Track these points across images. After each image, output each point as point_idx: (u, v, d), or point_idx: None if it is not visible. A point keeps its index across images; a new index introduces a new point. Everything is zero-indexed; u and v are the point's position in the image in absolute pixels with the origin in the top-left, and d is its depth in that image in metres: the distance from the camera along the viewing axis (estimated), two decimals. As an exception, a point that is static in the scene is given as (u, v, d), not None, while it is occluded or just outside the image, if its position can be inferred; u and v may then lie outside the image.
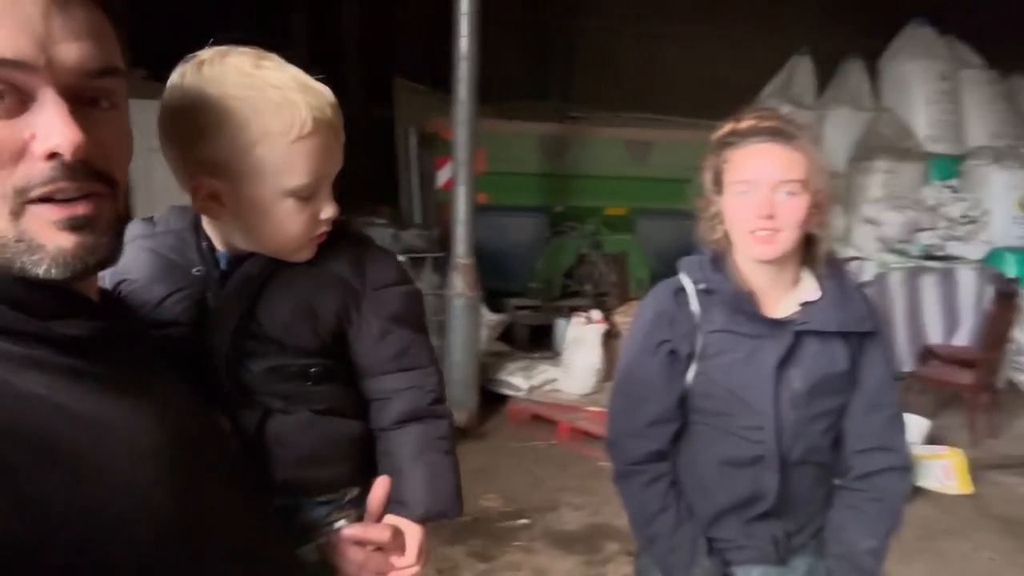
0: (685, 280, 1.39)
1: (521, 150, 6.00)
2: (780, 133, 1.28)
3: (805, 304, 1.34)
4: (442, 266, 5.06)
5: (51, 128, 0.62)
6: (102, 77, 0.66)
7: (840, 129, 7.76)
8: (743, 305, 1.33)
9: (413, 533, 0.94)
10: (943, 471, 4.08)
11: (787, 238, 1.27)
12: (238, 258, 0.93)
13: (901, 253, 6.63)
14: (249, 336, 0.91)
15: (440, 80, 5.97)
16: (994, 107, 7.78)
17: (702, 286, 1.36)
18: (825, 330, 1.32)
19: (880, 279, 6.03)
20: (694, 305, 1.36)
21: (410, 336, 0.98)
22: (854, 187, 7.22)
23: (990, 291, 5.15)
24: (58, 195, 0.64)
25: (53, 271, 0.65)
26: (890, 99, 7.72)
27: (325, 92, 0.89)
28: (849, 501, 1.40)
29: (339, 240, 0.95)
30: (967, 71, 7.79)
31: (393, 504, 0.95)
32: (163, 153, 0.89)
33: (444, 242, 5.10)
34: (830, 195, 1.31)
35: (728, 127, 1.34)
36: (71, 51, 0.63)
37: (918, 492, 3.89)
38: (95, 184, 0.66)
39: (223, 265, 0.93)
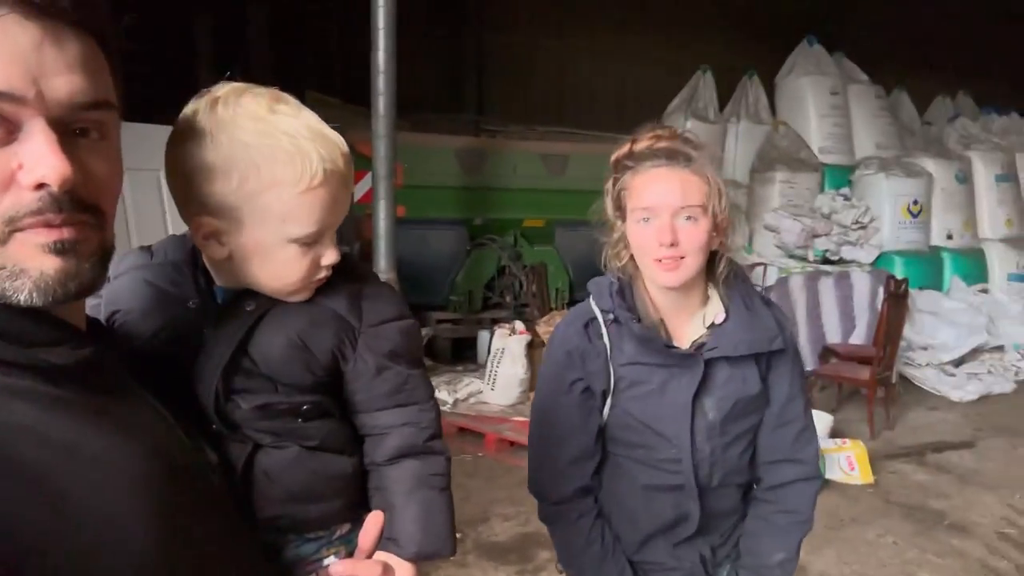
0: (595, 308, 1.35)
1: (438, 163, 6.04)
2: (677, 155, 1.24)
3: (712, 327, 1.31)
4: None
5: (39, 159, 0.62)
6: (93, 110, 0.66)
7: (741, 142, 8.16)
8: (652, 338, 1.30)
9: (404, 571, 0.91)
10: (847, 462, 4.34)
11: (691, 264, 1.25)
12: (235, 293, 0.91)
13: (800, 258, 7.02)
14: (240, 372, 0.89)
15: (352, 94, 5.93)
16: (879, 120, 8.36)
17: (610, 316, 1.32)
18: (735, 355, 1.29)
19: (782, 283, 6.35)
20: (604, 337, 1.32)
21: (406, 372, 0.95)
22: (755, 197, 7.59)
23: (882, 292, 5.51)
24: (45, 225, 0.64)
25: (35, 296, 0.64)
26: (786, 113, 8.17)
27: (338, 141, 0.88)
28: (760, 512, 1.40)
29: (337, 275, 0.93)
30: (854, 86, 8.34)
31: (385, 541, 0.90)
32: (167, 182, 0.88)
33: (364, 257, 5.06)
34: (729, 215, 1.28)
35: (625, 148, 1.29)
36: (62, 84, 0.63)
37: (825, 484, 4.12)
38: (82, 215, 0.66)
39: (219, 299, 0.92)
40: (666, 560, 1.39)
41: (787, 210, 7.24)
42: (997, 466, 4.49)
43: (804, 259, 6.99)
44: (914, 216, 7.59)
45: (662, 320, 1.32)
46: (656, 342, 1.30)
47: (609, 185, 1.33)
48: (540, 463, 1.39)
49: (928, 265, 7.54)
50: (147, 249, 0.97)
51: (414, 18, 5.40)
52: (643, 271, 1.31)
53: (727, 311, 1.32)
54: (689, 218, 1.23)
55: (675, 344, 1.32)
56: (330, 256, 0.89)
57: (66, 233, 0.65)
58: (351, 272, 0.96)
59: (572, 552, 1.38)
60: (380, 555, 0.90)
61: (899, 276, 5.90)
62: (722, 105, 8.35)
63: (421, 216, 5.76)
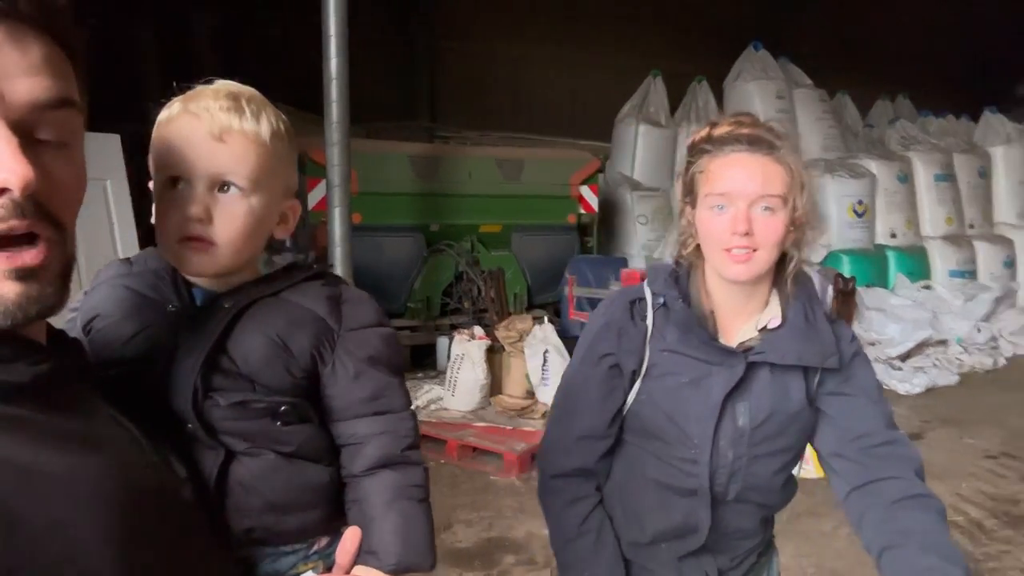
0: (647, 291, 1.26)
1: (393, 170, 6.00)
2: (760, 142, 1.14)
3: (764, 330, 1.21)
4: (319, 290, 4.96)
5: (1, 163, 0.60)
6: (55, 109, 0.65)
7: (692, 145, 8.31)
8: (693, 327, 1.21)
9: None
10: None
11: (764, 258, 1.15)
12: (214, 295, 0.91)
13: (751, 259, 7.16)
14: (219, 371, 0.88)
15: (305, 101, 5.87)
16: (823, 123, 8.61)
17: (660, 300, 1.24)
18: (781, 363, 1.19)
19: (736, 284, 6.46)
20: (648, 319, 1.24)
21: (385, 379, 0.95)
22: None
23: (831, 290, 5.65)
24: (8, 232, 0.62)
25: (1, 322, 0.63)
26: (735, 116, 8.35)
27: (224, 104, 0.87)
28: (902, 568, 1.14)
29: (315, 282, 0.94)
30: (799, 90, 8.57)
31: (364, 554, 0.89)
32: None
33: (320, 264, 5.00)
34: (810, 212, 1.18)
35: (704, 132, 1.21)
36: (23, 85, 0.62)
37: (782, 479, 4.20)
38: (45, 227, 0.65)
39: (199, 302, 0.92)
40: (667, 573, 1.30)
41: (738, 212, 7.38)
42: (944, 456, 4.64)
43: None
44: (859, 216, 7.82)
45: (712, 313, 1.23)
46: (700, 333, 1.21)
47: (682, 169, 1.25)
48: (550, 434, 1.33)
49: (873, 263, 7.78)
50: (127, 260, 0.98)
51: (365, 24, 5.37)
52: (710, 261, 1.21)
53: (784, 317, 1.21)
54: (767, 208, 1.14)
55: (720, 341, 1.22)
56: (194, 208, 0.85)
57: (28, 258, 0.64)
58: (330, 280, 0.97)
59: (563, 538, 1.29)
60: (359, 570, 0.87)
61: (846, 274, 6.06)
62: (673, 110, 8.50)
63: (377, 223, 5.73)
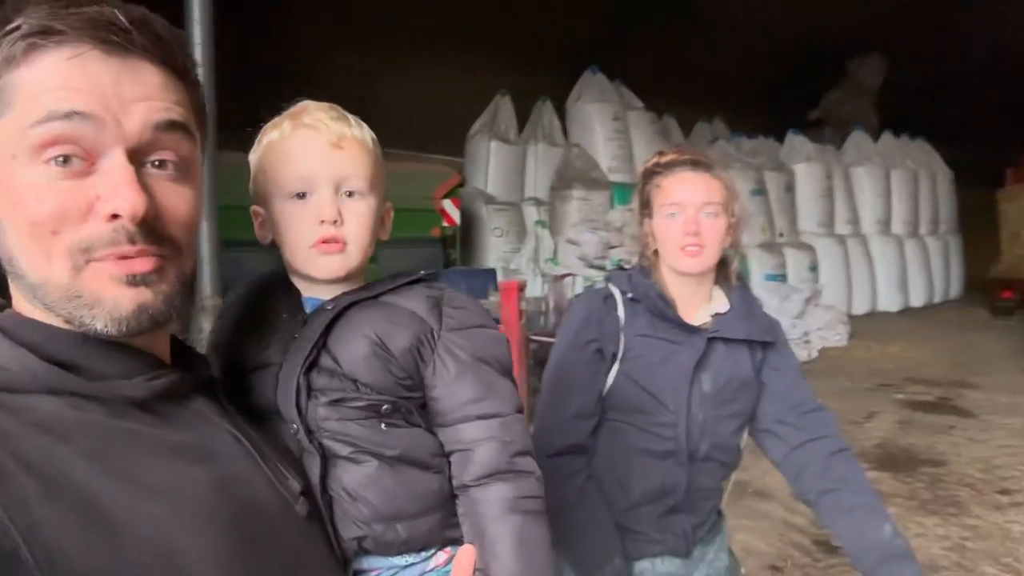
0: (613, 289, 1.50)
1: (246, 183, 5.82)
2: (700, 163, 1.45)
3: (716, 315, 1.48)
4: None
5: (115, 191, 0.63)
6: (169, 131, 0.67)
7: (540, 162, 8.73)
8: (665, 311, 1.45)
9: None
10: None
11: (711, 253, 1.42)
12: (322, 302, 0.92)
13: (599, 268, 7.63)
14: (323, 371, 0.89)
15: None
16: (654, 142, 9.29)
17: (629, 295, 1.48)
18: (733, 337, 1.46)
19: (588, 291, 6.87)
20: (620, 311, 1.47)
21: (489, 380, 0.90)
22: (556, 213, 8.15)
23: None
24: (115, 255, 0.65)
25: (109, 327, 0.65)
26: (577, 135, 8.86)
27: (330, 110, 0.92)
28: (837, 506, 1.44)
29: (417, 286, 0.94)
30: (632, 112, 9.24)
31: (478, 573, 0.84)
32: None
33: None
34: (742, 219, 1.48)
35: (654, 160, 1.50)
36: (138, 110, 0.65)
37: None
38: (157, 247, 0.67)
39: (307, 310, 0.93)
40: (651, 532, 1.50)
41: (585, 225, 7.86)
42: (779, 438, 5.23)
43: (603, 268, 7.60)
44: (690, 227, 8.56)
45: (673, 302, 1.49)
46: (669, 316, 1.46)
47: (638, 189, 1.52)
48: (544, 417, 1.48)
49: (703, 270, 8.53)
50: (248, 282, 1.02)
51: (231, 35, 5.21)
52: (666, 260, 1.47)
53: (731, 304, 1.49)
54: (710, 213, 1.42)
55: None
56: (325, 212, 0.89)
57: (138, 266, 0.66)
58: (433, 284, 0.96)
59: (566, 505, 1.43)
60: None
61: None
62: (521, 127, 8.87)
63: (236, 238, 5.52)
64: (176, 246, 0.69)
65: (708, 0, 11.06)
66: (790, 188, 9.99)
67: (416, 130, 8.91)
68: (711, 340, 1.46)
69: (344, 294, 0.92)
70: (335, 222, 0.89)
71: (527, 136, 8.90)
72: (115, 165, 0.64)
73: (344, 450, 0.88)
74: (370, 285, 0.93)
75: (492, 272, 6.01)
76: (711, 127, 11.22)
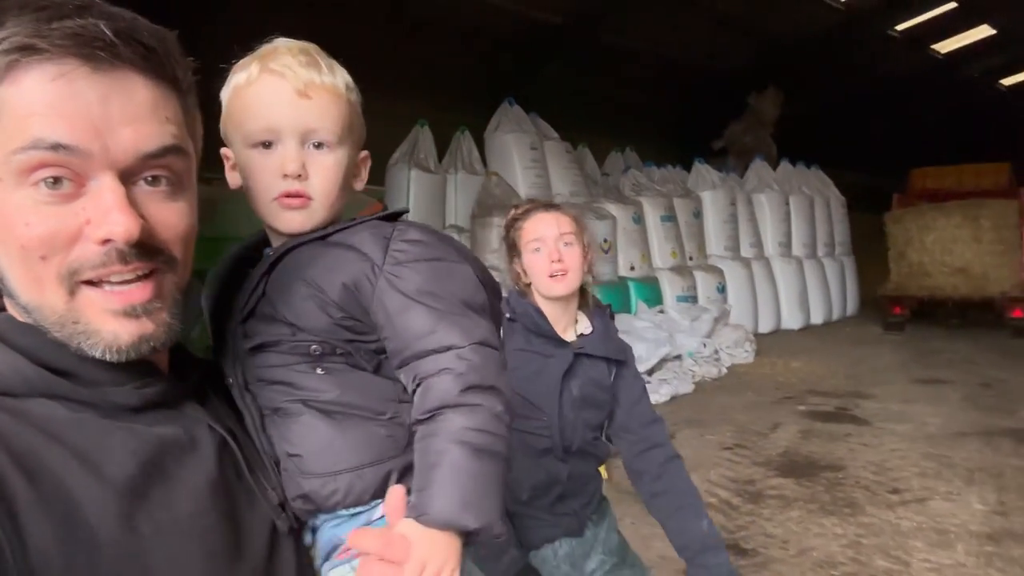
0: None
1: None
2: (551, 206, 1.78)
3: (581, 335, 1.77)
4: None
5: (106, 216, 0.61)
6: (161, 158, 0.65)
7: (460, 191, 8.89)
8: (541, 325, 1.69)
9: (430, 544, 0.73)
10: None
11: (573, 278, 1.69)
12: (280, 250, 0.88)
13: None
14: (262, 319, 0.84)
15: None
16: (570, 171, 9.63)
17: (507, 315, 1.71)
18: (595, 354, 1.75)
19: (510, 316, 7.04)
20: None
21: (439, 312, 0.81)
22: (477, 239, 8.31)
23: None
24: (111, 278, 0.64)
25: (108, 356, 0.65)
26: (496, 165, 9.06)
27: (301, 59, 0.85)
28: (663, 506, 1.76)
29: (372, 222, 0.87)
30: (549, 142, 9.52)
31: (409, 507, 0.76)
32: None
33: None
34: (593, 247, 1.76)
35: (511, 212, 1.79)
36: (128, 135, 0.62)
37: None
38: (150, 262, 0.65)
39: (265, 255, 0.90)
40: (546, 517, 1.74)
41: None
42: (692, 452, 5.46)
43: (523, 294, 7.80)
44: (605, 252, 8.87)
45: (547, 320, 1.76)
46: (545, 330, 1.70)
47: (503, 236, 1.79)
48: None
49: (618, 292, 8.84)
50: (241, 242, 0.98)
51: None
52: (538, 289, 1.72)
53: (592, 327, 1.79)
54: (567, 244, 1.69)
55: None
56: (289, 165, 0.84)
57: (136, 295, 0.65)
58: (392, 222, 0.88)
59: None
60: (403, 524, 0.74)
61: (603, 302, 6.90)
62: (440, 156, 9.02)
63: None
64: (170, 259, 0.68)
65: (615, 38, 11.56)
66: (698, 214, 10.48)
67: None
68: (577, 355, 1.73)
69: (290, 238, 0.87)
70: (299, 176, 0.84)
71: (447, 165, 9.07)
72: (105, 188, 0.62)
73: (277, 399, 0.84)
74: (323, 228, 0.87)
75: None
76: (623, 156, 11.66)
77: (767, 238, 11.48)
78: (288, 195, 0.85)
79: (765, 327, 10.76)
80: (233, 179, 0.91)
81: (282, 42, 0.89)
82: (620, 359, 1.80)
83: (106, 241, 0.62)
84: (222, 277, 0.92)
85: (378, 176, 8.71)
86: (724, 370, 8.18)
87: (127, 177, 0.63)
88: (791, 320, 11.27)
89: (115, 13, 0.63)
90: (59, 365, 0.66)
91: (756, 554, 3.69)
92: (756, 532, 3.97)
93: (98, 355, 0.65)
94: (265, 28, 0.92)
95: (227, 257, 0.95)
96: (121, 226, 0.61)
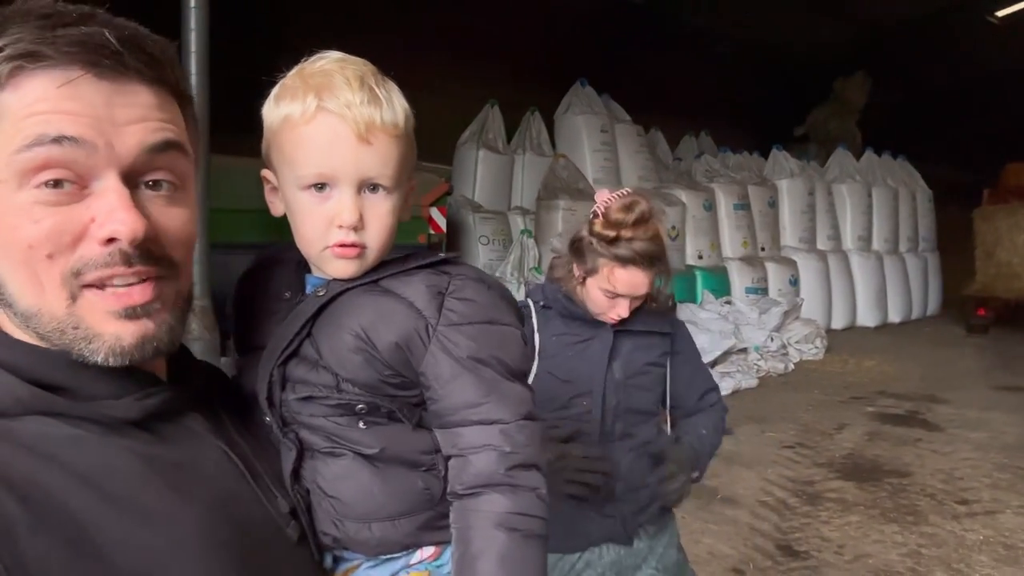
0: (529, 301, 1.75)
1: (241, 185, 5.89)
2: (651, 261, 1.61)
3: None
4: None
5: (111, 214, 0.61)
6: (164, 152, 0.65)
7: (527, 172, 8.87)
8: (574, 310, 1.69)
9: None
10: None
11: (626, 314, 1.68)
12: (324, 283, 0.85)
13: (583, 278, 7.76)
14: (303, 361, 0.82)
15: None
16: (640, 156, 9.48)
17: (541, 303, 1.73)
18: (635, 329, 1.70)
19: (571, 301, 7.00)
20: (534, 320, 1.71)
21: (491, 382, 0.80)
22: (541, 222, 8.28)
23: (655, 306, 6.32)
24: (113, 280, 0.63)
25: (110, 360, 0.64)
26: (564, 147, 9.00)
27: (362, 95, 0.79)
28: (694, 417, 1.81)
29: (427, 271, 0.83)
30: (620, 125, 9.40)
31: None
32: None
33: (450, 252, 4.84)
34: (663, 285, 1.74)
35: (612, 232, 1.59)
36: (131, 132, 0.63)
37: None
38: (153, 268, 0.65)
39: (308, 289, 0.86)
40: (594, 516, 1.69)
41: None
42: (752, 448, 5.36)
43: (586, 278, 7.74)
44: (672, 239, 8.72)
45: (582, 303, 1.72)
46: (577, 313, 1.70)
47: (584, 241, 1.66)
48: None
49: (684, 282, 8.68)
50: (267, 252, 0.95)
51: (220, 36, 5.32)
52: (585, 306, 1.69)
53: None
54: (637, 298, 1.65)
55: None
56: (344, 216, 0.79)
57: (136, 296, 0.64)
58: (446, 270, 0.84)
59: None
60: None
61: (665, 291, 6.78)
62: (509, 137, 9.00)
63: (227, 241, 5.61)
64: (173, 265, 0.67)
65: (696, 19, 11.25)
66: (773, 203, 10.17)
67: (407, 138, 9.02)
68: (618, 334, 1.69)
69: (337, 281, 0.83)
70: (355, 228, 0.80)
71: (515, 146, 9.04)
72: (110, 187, 0.62)
73: (321, 444, 0.83)
74: (376, 267, 0.84)
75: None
76: (697, 142, 11.40)
77: (846, 231, 11.04)
78: (343, 245, 0.81)
79: (839, 323, 10.39)
80: (275, 207, 0.86)
81: (336, 67, 0.81)
82: (665, 331, 1.75)
83: (110, 241, 0.62)
84: (247, 286, 0.90)
85: (447, 155, 8.76)
86: (791, 366, 7.95)
87: (130, 179, 0.64)
88: (867, 317, 10.84)
89: (118, 22, 0.63)
90: (53, 381, 0.64)
91: (808, 556, 3.59)
92: (811, 535, 3.86)
93: (100, 360, 0.63)
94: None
95: (256, 264, 0.92)
96: (127, 225, 0.61)
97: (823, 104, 13.71)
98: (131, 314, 0.64)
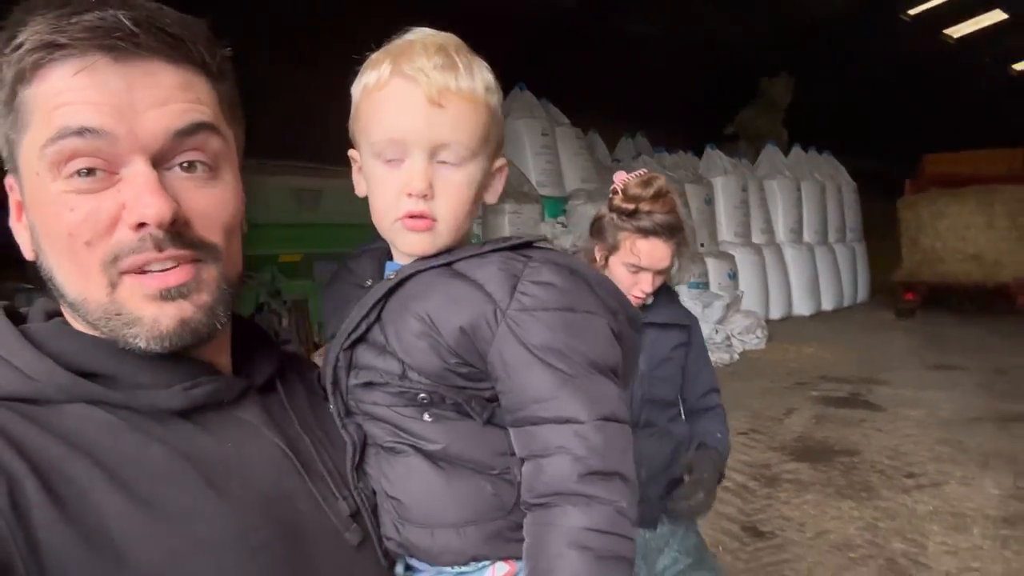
0: None
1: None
2: (673, 232, 1.67)
3: (644, 307, 1.75)
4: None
5: (138, 199, 0.61)
6: (192, 135, 0.64)
7: (471, 176, 8.89)
8: None
9: None
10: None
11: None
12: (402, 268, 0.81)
13: (532, 279, 7.83)
14: (371, 346, 0.78)
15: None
16: (580, 158, 9.62)
17: None
18: (659, 321, 1.74)
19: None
20: None
21: (566, 376, 0.72)
22: (489, 226, 8.32)
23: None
24: (149, 266, 0.63)
25: (151, 344, 0.63)
26: (507, 151, 8.84)
27: (438, 60, 0.75)
28: (703, 420, 1.86)
29: (504, 253, 0.77)
30: (560, 128, 9.51)
31: None
32: None
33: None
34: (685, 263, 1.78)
35: (632, 204, 1.64)
36: (155, 117, 0.62)
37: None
38: (188, 251, 0.64)
39: (385, 274, 0.83)
40: None
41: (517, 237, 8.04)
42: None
43: (536, 280, 7.81)
44: (616, 239, 8.88)
45: None
46: None
47: (605, 217, 1.72)
48: None
49: (630, 280, 8.85)
50: (366, 245, 0.92)
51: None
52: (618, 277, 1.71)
53: (655, 297, 1.78)
54: (659, 273, 1.69)
55: None
56: (415, 184, 0.75)
57: (172, 279, 0.63)
58: (525, 253, 0.78)
59: None
60: None
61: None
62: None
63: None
64: (211, 249, 0.66)
65: (628, 22, 11.49)
66: (709, 200, 10.45)
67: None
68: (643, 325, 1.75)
69: (413, 262, 0.80)
70: (424, 196, 0.76)
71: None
72: (137, 172, 0.61)
73: (384, 437, 0.78)
74: (452, 250, 0.79)
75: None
76: (634, 142, 11.63)
77: (778, 224, 11.44)
78: (411, 215, 0.77)
79: (776, 313, 10.75)
80: (360, 186, 0.84)
81: (419, 36, 0.79)
82: (686, 323, 1.80)
83: (140, 226, 0.61)
84: (339, 280, 0.87)
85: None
86: (736, 356, 8.20)
87: (160, 162, 0.63)
88: (802, 306, 11.25)
89: (136, 4, 0.62)
90: (96, 368, 0.64)
91: (773, 536, 3.72)
92: (773, 515, 4.00)
93: (142, 345, 0.63)
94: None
95: (352, 257, 0.89)
96: (152, 208, 0.60)
97: (751, 103, 14.16)
98: (167, 295, 0.63)
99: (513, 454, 0.76)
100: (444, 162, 0.77)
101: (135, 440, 0.62)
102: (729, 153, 11.51)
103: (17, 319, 0.69)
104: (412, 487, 0.76)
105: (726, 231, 10.64)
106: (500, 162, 0.83)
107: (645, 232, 1.65)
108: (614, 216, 1.69)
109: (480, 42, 0.81)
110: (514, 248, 0.78)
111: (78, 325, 0.67)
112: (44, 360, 0.63)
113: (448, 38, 0.79)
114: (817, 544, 3.62)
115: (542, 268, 0.76)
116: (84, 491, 0.57)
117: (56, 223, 0.62)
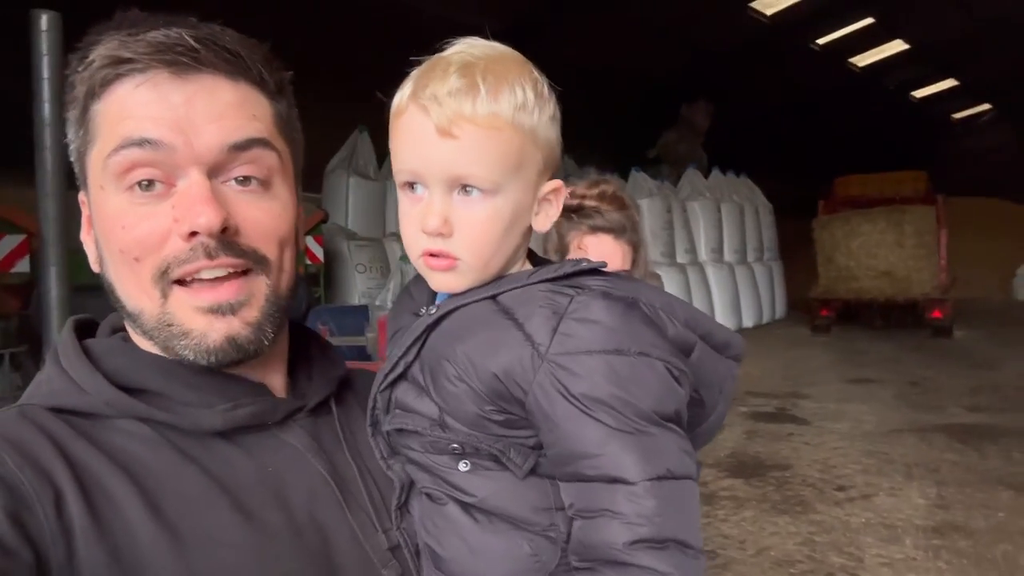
0: None
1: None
2: (621, 231, 1.66)
3: None
4: (23, 363, 4.36)
5: (191, 208, 0.62)
6: (247, 150, 0.66)
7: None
8: None
9: None
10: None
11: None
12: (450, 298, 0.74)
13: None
14: (412, 385, 0.72)
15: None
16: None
17: None
18: None
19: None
20: None
21: (608, 431, 0.64)
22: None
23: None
24: (200, 274, 0.64)
25: (198, 358, 0.65)
26: (436, 171, 8.99)
27: (456, 84, 0.67)
28: None
29: (548, 283, 0.70)
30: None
31: None
32: None
33: (23, 333, 4.40)
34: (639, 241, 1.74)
35: (583, 202, 1.64)
36: (212, 131, 0.64)
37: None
38: (239, 260, 0.65)
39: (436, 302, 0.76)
40: None
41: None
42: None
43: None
44: (546, 259, 8.92)
45: None
46: None
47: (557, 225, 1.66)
48: None
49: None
50: None
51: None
52: None
53: None
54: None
55: None
56: (430, 221, 0.68)
57: (223, 293, 0.65)
58: (574, 284, 0.70)
59: None
60: None
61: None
62: (380, 164, 8.90)
63: (96, 283, 5.16)
64: (261, 259, 0.67)
65: (547, 47, 11.65)
66: (636, 221, 10.64)
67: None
68: None
69: (452, 297, 0.73)
70: (440, 234, 0.69)
71: (387, 172, 8.94)
72: (192, 183, 0.63)
73: (426, 482, 0.72)
74: (498, 280, 0.72)
75: (364, 308, 5.95)
76: (563, 164, 11.73)
77: (700, 244, 11.76)
78: (430, 254, 0.70)
79: (701, 331, 10.98)
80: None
81: (450, 52, 0.71)
82: None
83: (192, 235, 0.63)
84: (406, 298, 0.81)
85: (315, 183, 8.52)
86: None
87: (215, 175, 0.65)
88: (725, 323, 11.46)
89: (201, 24, 0.66)
90: (146, 385, 0.66)
91: (715, 555, 3.74)
92: (713, 534, 4.02)
93: (191, 357, 0.65)
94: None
95: (415, 281, 0.80)
96: (204, 216, 0.62)
97: (671, 128, 14.56)
98: (217, 310, 0.64)
99: (559, 508, 0.69)
100: (465, 194, 0.69)
101: (173, 459, 0.63)
102: (653, 176, 11.77)
103: (93, 333, 0.73)
104: (448, 538, 0.71)
105: (652, 251, 10.83)
106: (552, 184, 0.74)
107: (591, 229, 1.63)
108: (562, 219, 1.67)
109: (405, 65, 0.75)
110: (569, 276, 0.70)
111: (137, 337, 0.69)
112: (95, 375, 0.65)
113: (481, 56, 0.70)
114: (759, 562, 3.65)
115: (591, 303, 0.67)
116: (119, 508, 0.58)
117: (111, 239, 0.64)
